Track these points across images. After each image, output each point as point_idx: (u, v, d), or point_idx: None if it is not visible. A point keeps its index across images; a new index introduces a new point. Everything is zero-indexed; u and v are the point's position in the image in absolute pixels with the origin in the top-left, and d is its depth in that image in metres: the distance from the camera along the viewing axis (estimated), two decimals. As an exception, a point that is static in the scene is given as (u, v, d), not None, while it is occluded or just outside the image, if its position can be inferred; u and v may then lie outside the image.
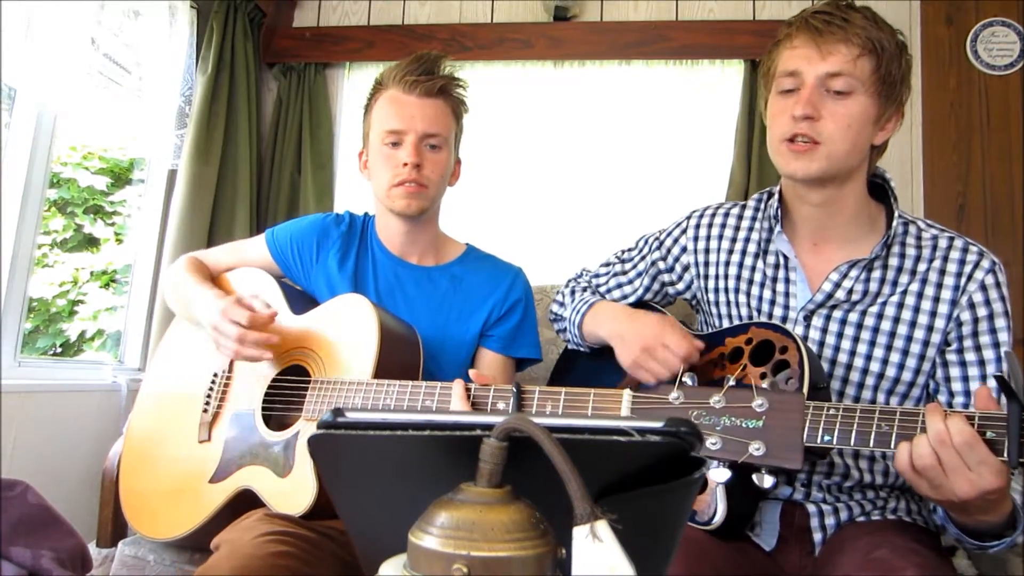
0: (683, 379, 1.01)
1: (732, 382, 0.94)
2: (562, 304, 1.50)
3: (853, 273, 1.21)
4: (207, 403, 1.43)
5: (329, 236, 1.56)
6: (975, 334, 1.17)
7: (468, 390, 1.21)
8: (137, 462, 1.48)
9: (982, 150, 2.50)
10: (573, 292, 1.50)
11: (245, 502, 1.29)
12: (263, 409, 1.37)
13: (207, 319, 1.38)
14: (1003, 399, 0.92)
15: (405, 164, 1.44)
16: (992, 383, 1.16)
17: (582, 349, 1.45)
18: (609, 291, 1.48)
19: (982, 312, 1.16)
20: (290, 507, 1.22)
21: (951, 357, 1.18)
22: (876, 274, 1.21)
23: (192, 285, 1.49)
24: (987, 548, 1.07)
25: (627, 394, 1.06)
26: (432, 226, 1.58)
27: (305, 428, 1.29)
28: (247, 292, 1.52)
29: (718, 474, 0.93)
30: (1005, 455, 0.89)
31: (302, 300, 1.51)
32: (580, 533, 0.44)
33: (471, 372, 1.23)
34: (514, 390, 1.16)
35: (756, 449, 0.90)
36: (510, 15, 2.78)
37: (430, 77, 1.46)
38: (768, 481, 0.91)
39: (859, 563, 1.07)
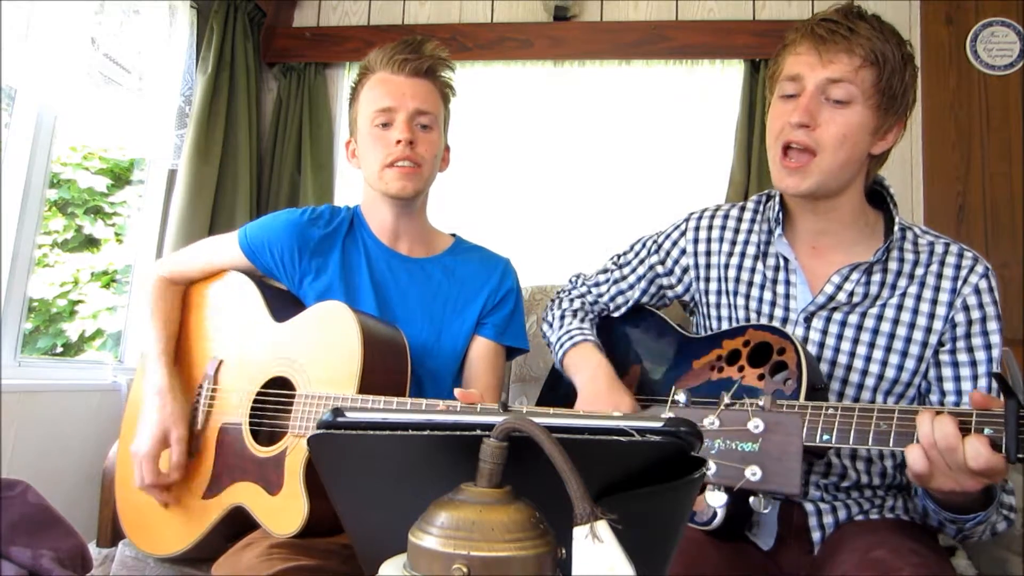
0: (675, 398, 1.00)
1: (727, 400, 0.93)
2: (551, 326, 1.50)
3: (854, 276, 1.23)
4: (194, 416, 1.42)
5: (308, 238, 1.49)
6: (968, 335, 1.19)
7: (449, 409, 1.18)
8: (131, 477, 1.45)
9: (982, 150, 2.50)
10: (563, 316, 1.48)
11: (238, 519, 1.29)
12: (251, 423, 1.36)
13: (134, 445, 1.39)
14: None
15: (398, 142, 1.40)
16: (983, 383, 1.17)
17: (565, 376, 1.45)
18: (612, 299, 1.48)
19: (976, 315, 1.19)
20: (282, 527, 1.21)
21: (944, 357, 1.20)
22: (876, 277, 1.23)
23: (148, 348, 1.48)
24: (965, 523, 1.07)
25: (619, 415, 1.06)
26: (421, 214, 1.55)
27: (292, 444, 1.27)
28: (225, 302, 1.51)
29: (715, 498, 0.91)
30: (1003, 451, 0.89)
31: (285, 304, 1.47)
32: (580, 533, 0.44)
33: (457, 392, 1.18)
34: (500, 410, 1.15)
35: (752, 474, 0.88)
36: (510, 15, 2.78)
37: (418, 56, 1.44)
38: (767, 505, 0.90)
39: (858, 563, 1.07)
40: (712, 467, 0.90)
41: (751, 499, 0.91)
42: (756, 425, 0.89)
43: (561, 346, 1.41)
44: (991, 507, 1.04)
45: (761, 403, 0.93)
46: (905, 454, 0.95)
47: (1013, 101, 2.51)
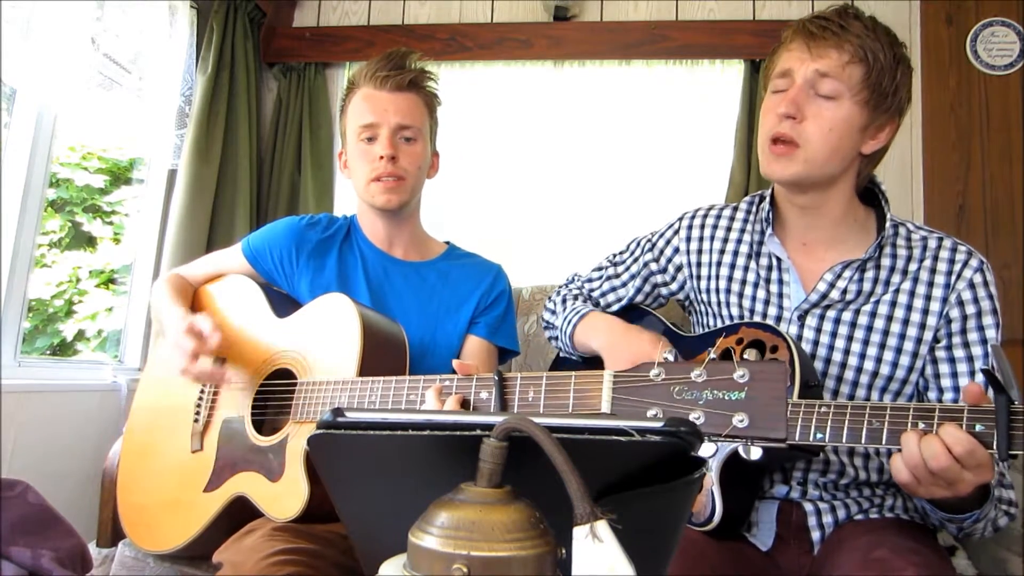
0: (665, 355, 1.01)
1: (713, 355, 0.94)
2: (554, 312, 1.51)
3: (847, 273, 1.23)
4: (197, 413, 1.43)
5: (306, 241, 1.55)
6: (964, 331, 1.19)
7: (441, 390, 1.18)
8: (133, 476, 1.48)
9: (982, 150, 2.50)
10: (565, 300, 1.50)
11: (240, 509, 1.29)
12: (253, 415, 1.37)
13: (170, 338, 1.40)
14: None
15: (381, 157, 1.46)
16: (980, 379, 1.17)
17: (573, 358, 1.45)
18: (604, 295, 1.48)
19: (971, 309, 1.18)
20: (283, 511, 1.22)
21: (940, 354, 1.20)
22: (869, 274, 1.23)
23: (164, 303, 1.51)
24: (962, 521, 1.08)
25: (608, 374, 1.06)
26: (414, 221, 1.60)
27: (294, 431, 1.29)
28: (229, 302, 1.54)
29: (704, 448, 0.92)
30: (994, 448, 0.89)
31: (286, 304, 1.51)
32: (580, 533, 0.44)
33: (454, 362, 1.21)
34: (496, 378, 1.16)
35: (740, 421, 0.89)
36: (510, 15, 2.78)
37: (400, 71, 1.48)
38: (756, 453, 0.91)
39: (859, 563, 1.08)
40: (700, 417, 0.91)
41: (739, 447, 0.91)
42: (742, 375, 0.90)
43: (569, 322, 1.41)
44: (987, 504, 1.04)
45: (747, 355, 0.93)
46: (890, 465, 0.96)
47: (1013, 101, 2.51)
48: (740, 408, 0.89)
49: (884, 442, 0.95)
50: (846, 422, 0.96)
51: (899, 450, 0.95)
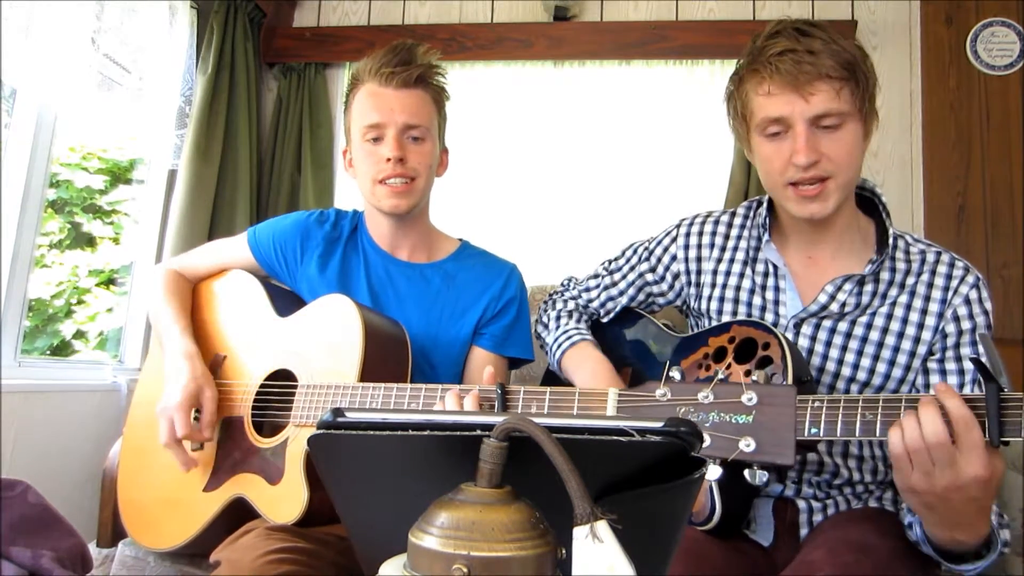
0: (670, 374, 1.00)
1: (721, 376, 0.93)
2: (546, 327, 1.50)
3: (847, 286, 1.23)
4: (197, 411, 1.42)
5: (312, 238, 1.52)
6: (958, 345, 1.19)
7: (459, 393, 1.17)
8: (133, 472, 1.48)
9: (982, 150, 2.50)
10: (559, 317, 1.48)
11: (239, 510, 1.29)
12: (253, 415, 1.37)
13: (163, 402, 1.35)
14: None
15: (388, 159, 1.39)
16: (963, 366, 1.17)
17: (560, 376, 1.45)
18: (603, 304, 1.48)
19: (966, 325, 1.19)
20: (282, 515, 1.21)
21: (932, 366, 1.21)
22: (868, 287, 1.23)
23: (164, 312, 1.47)
24: (963, 572, 1.06)
25: (612, 392, 1.05)
26: (422, 221, 1.54)
27: (294, 434, 1.28)
28: (231, 299, 1.52)
29: (709, 471, 0.91)
30: (986, 436, 0.89)
31: (288, 301, 1.48)
32: (580, 533, 0.44)
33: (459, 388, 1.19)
34: (498, 391, 1.15)
35: (746, 445, 0.89)
36: (510, 15, 2.78)
37: (406, 67, 1.41)
38: (761, 478, 0.90)
39: (797, 563, 1.10)
40: (706, 440, 0.90)
41: (745, 471, 0.91)
42: (750, 398, 0.89)
43: (559, 346, 1.41)
44: (992, 552, 1.02)
45: (755, 377, 0.93)
46: (888, 437, 0.94)
47: (1013, 101, 2.51)
48: (747, 432, 0.89)
49: (878, 434, 0.95)
50: (840, 415, 0.96)
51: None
